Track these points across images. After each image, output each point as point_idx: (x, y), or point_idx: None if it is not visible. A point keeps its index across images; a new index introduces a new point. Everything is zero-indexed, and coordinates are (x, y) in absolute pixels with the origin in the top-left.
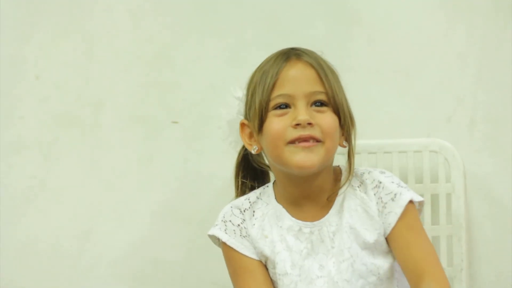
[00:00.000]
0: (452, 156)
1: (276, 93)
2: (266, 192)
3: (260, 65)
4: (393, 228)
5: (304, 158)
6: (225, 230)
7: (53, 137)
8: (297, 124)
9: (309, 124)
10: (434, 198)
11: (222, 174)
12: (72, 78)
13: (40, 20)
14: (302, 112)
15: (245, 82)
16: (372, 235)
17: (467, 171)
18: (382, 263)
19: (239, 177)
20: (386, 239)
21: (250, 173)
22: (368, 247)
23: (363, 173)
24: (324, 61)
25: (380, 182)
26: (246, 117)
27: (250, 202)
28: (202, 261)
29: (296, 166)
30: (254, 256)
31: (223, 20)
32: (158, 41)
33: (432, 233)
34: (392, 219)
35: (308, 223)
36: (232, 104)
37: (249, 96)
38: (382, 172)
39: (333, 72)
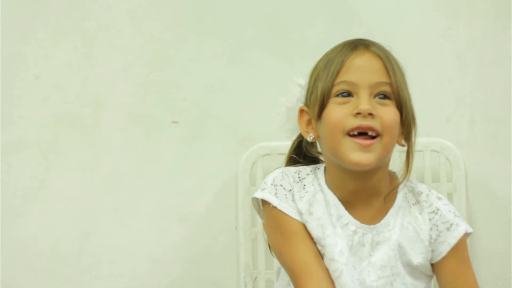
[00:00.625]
0: (453, 156)
1: (339, 79)
2: (317, 174)
3: (326, 53)
4: (444, 258)
5: (360, 155)
6: (275, 194)
7: (53, 137)
8: (358, 113)
9: (370, 114)
10: None
11: (222, 174)
12: (72, 78)
13: (40, 20)
14: (364, 102)
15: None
16: (417, 258)
17: (468, 171)
18: (420, 283)
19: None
20: (432, 265)
21: (302, 164)
22: (410, 266)
23: (421, 193)
24: (392, 55)
25: (438, 209)
26: (306, 104)
27: (299, 176)
28: (202, 261)
29: (352, 162)
30: (303, 221)
31: (223, 20)
32: (158, 41)
33: None
34: (445, 249)
35: (357, 221)
36: (293, 91)
37: (312, 82)
38: (439, 198)
39: (399, 67)
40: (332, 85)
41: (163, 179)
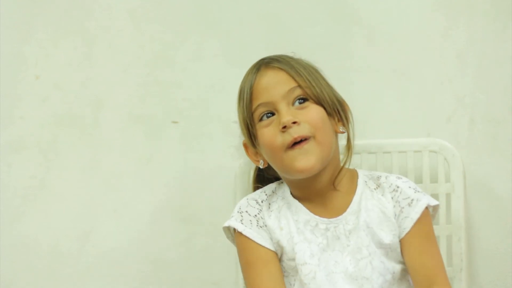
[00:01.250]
0: (452, 156)
1: (255, 104)
2: (281, 188)
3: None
4: (407, 233)
5: (303, 161)
6: (241, 220)
7: (53, 137)
8: (284, 127)
9: (294, 123)
10: (434, 198)
11: (222, 174)
12: (72, 78)
13: (40, 20)
14: (284, 114)
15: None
16: (388, 236)
17: (467, 171)
18: (395, 264)
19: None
20: (399, 243)
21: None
22: (383, 247)
23: (380, 176)
24: (295, 60)
25: (398, 187)
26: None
27: (266, 194)
28: (202, 261)
29: (298, 171)
30: (270, 247)
31: (223, 20)
32: (158, 41)
33: None
34: (408, 224)
35: (325, 219)
36: (235, 130)
37: (239, 118)
38: (398, 178)
39: (305, 66)
40: (251, 112)
41: (163, 179)
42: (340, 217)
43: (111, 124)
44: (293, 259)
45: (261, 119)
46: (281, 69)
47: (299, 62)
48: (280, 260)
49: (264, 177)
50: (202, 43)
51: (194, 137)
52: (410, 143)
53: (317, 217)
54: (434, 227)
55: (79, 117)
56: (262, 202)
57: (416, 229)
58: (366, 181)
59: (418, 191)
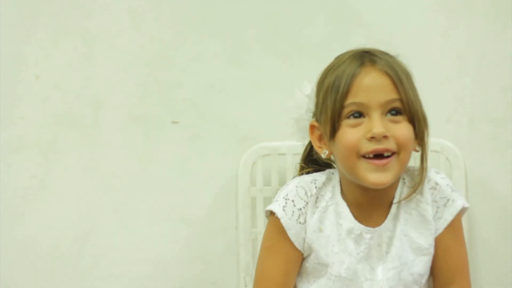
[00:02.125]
0: (453, 156)
1: (349, 100)
2: (332, 181)
3: (331, 66)
4: (439, 234)
5: (378, 176)
6: (283, 207)
7: (53, 137)
8: (372, 137)
9: (384, 137)
10: None
11: (222, 174)
12: (72, 78)
13: (40, 20)
14: (377, 124)
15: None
16: (427, 239)
17: (467, 171)
18: (424, 274)
19: (303, 172)
20: None
21: (316, 168)
22: (423, 253)
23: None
24: (399, 65)
25: (437, 184)
26: (316, 119)
27: (316, 187)
28: (202, 261)
29: (370, 183)
30: (299, 247)
31: (223, 20)
32: (158, 41)
33: None
34: (441, 225)
35: (370, 228)
36: (300, 101)
37: (320, 100)
38: (437, 172)
39: (408, 76)
40: (342, 107)
41: (163, 179)
42: (382, 225)
43: (111, 124)
44: (326, 265)
45: (348, 117)
46: (387, 74)
47: (402, 68)
48: (305, 259)
49: (313, 159)
50: (202, 43)
51: (194, 137)
52: None
53: (362, 226)
54: None
55: (79, 117)
56: (310, 196)
57: (447, 231)
58: (404, 178)
59: (454, 190)
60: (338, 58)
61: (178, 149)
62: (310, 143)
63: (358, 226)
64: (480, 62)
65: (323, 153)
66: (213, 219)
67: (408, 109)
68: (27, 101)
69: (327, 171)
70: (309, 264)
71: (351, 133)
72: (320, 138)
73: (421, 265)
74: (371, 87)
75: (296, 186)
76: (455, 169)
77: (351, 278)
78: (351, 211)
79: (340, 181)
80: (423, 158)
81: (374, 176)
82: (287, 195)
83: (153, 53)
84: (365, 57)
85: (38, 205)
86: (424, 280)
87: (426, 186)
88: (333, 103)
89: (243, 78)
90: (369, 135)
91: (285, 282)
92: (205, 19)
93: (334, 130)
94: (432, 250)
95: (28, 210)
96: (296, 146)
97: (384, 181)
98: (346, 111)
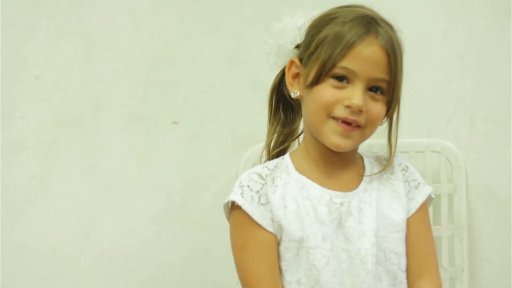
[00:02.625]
0: (454, 156)
1: (343, 63)
2: (284, 164)
3: (334, 15)
4: (411, 216)
5: (339, 140)
6: (241, 194)
7: (53, 137)
8: (348, 106)
9: (360, 110)
10: (436, 199)
11: (222, 174)
12: (72, 78)
13: (40, 20)
14: (358, 96)
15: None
16: (400, 214)
17: (468, 171)
18: (402, 251)
19: (273, 101)
20: None
21: (284, 102)
22: (396, 230)
23: (387, 157)
24: (398, 43)
25: (407, 167)
26: (299, 58)
27: (268, 169)
28: (202, 261)
29: (331, 144)
30: (269, 228)
31: (223, 20)
32: (158, 41)
33: (434, 234)
34: (414, 206)
35: (340, 193)
36: (288, 30)
37: (313, 45)
38: (405, 160)
39: (401, 56)
40: (334, 66)
41: (163, 179)
42: (353, 191)
43: (111, 124)
44: (299, 241)
45: (334, 76)
46: (386, 51)
47: (399, 46)
48: (278, 244)
49: (283, 93)
50: (202, 43)
51: (194, 137)
52: (412, 143)
53: (330, 190)
54: (436, 227)
55: (79, 117)
56: (266, 176)
57: (418, 214)
58: (372, 162)
59: (422, 179)
60: (344, 12)
61: (178, 149)
62: (281, 73)
63: (327, 192)
64: (480, 62)
65: (294, 93)
66: (213, 220)
67: (391, 93)
68: (27, 101)
69: (276, 158)
70: (283, 247)
71: (330, 92)
72: (295, 77)
73: (394, 241)
74: (367, 59)
75: (249, 173)
76: (455, 170)
77: (330, 248)
78: (315, 181)
79: (291, 157)
80: (391, 134)
81: (336, 138)
82: (241, 182)
83: (153, 53)
84: (372, 25)
85: (38, 205)
86: (402, 262)
87: (397, 168)
88: (326, 58)
89: (243, 78)
90: (347, 103)
91: (272, 273)
92: (205, 19)
93: (316, 82)
94: (404, 227)
95: (28, 210)
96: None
97: (344, 146)
98: (335, 71)
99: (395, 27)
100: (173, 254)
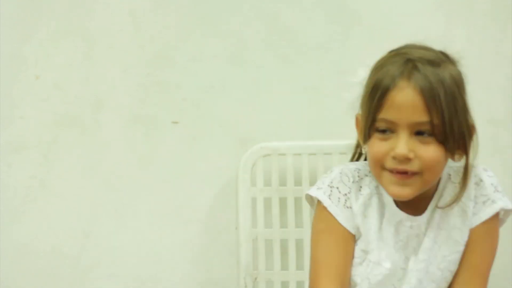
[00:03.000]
0: None
1: (381, 115)
2: None
3: (381, 62)
4: (471, 229)
5: (398, 190)
6: (329, 195)
7: (53, 137)
8: (394, 157)
9: (407, 158)
10: None
11: (223, 174)
12: (72, 78)
13: (40, 20)
14: (401, 145)
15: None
16: (464, 235)
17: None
18: (456, 260)
19: (356, 154)
20: None
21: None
22: (458, 250)
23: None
24: (440, 80)
25: (481, 181)
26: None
27: (359, 176)
28: (202, 262)
29: (391, 194)
30: (351, 229)
31: (224, 20)
32: (158, 41)
33: None
34: (475, 221)
35: (411, 216)
36: (355, 85)
37: (362, 99)
38: (485, 170)
39: (448, 91)
40: (374, 120)
41: (163, 179)
42: (423, 214)
43: (111, 124)
44: (367, 252)
45: (378, 130)
46: (421, 93)
47: (444, 83)
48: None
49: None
50: (202, 43)
51: (194, 137)
52: None
53: (403, 213)
54: None
55: (79, 117)
56: (353, 182)
57: (480, 227)
58: (450, 174)
59: (498, 191)
60: (389, 55)
61: (178, 149)
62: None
63: (399, 213)
64: (480, 62)
65: (364, 148)
66: (213, 219)
67: (439, 131)
68: (27, 101)
69: None
70: (356, 247)
71: (378, 146)
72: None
73: (453, 262)
74: (402, 105)
75: (340, 173)
76: None
77: (389, 268)
78: (394, 200)
79: None
80: (466, 169)
81: (395, 188)
82: (331, 182)
83: (153, 53)
84: (407, 67)
85: (38, 205)
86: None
87: (472, 181)
88: (367, 113)
89: (243, 78)
90: (392, 154)
91: (344, 263)
92: (205, 19)
93: (365, 138)
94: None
95: (28, 210)
96: (296, 146)
97: (404, 195)
98: (377, 124)
99: (452, 55)
100: (172, 254)
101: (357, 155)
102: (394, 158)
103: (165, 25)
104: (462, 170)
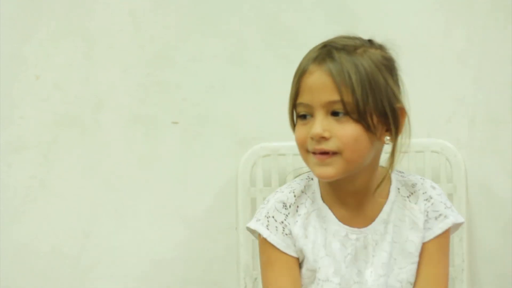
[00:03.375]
0: (453, 157)
1: (299, 100)
2: (312, 187)
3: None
4: (425, 243)
5: (321, 170)
6: (267, 226)
7: (53, 137)
8: (312, 138)
9: (323, 137)
10: None
11: (222, 174)
12: (72, 78)
13: (40, 20)
14: (316, 125)
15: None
16: (417, 246)
17: (468, 171)
18: (412, 270)
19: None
20: None
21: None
22: (413, 261)
23: (415, 184)
24: (352, 63)
25: (431, 197)
26: None
27: (295, 196)
28: (202, 262)
29: (317, 175)
30: (293, 254)
31: (224, 20)
32: (158, 41)
33: None
34: (429, 235)
35: (356, 229)
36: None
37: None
38: (433, 188)
39: (361, 72)
40: (294, 106)
41: (163, 179)
42: (370, 226)
43: (111, 124)
44: (314, 271)
45: (299, 115)
46: (330, 74)
47: (357, 64)
48: (300, 264)
49: None
50: (202, 43)
51: (194, 137)
52: (412, 143)
53: (347, 227)
54: None
55: (79, 117)
56: (290, 206)
57: (433, 243)
58: (399, 188)
59: (448, 207)
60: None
61: (178, 149)
62: None
63: (343, 228)
64: (480, 62)
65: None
66: (213, 220)
67: (351, 110)
68: (27, 101)
69: (306, 176)
70: (303, 269)
71: (299, 131)
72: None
73: (410, 273)
74: (313, 87)
75: (275, 201)
76: (455, 170)
77: (339, 282)
78: (335, 213)
79: (320, 185)
80: (393, 151)
81: (319, 169)
82: (267, 212)
83: (153, 53)
84: (320, 53)
85: (38, 205)
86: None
87: (422, 197)
88: (290, 100)
89: (243, 78)
90: (309, 135)
91: (294, 286)
92: (205, 19)
93: (292, 126)
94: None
95: (28, 210)
96: (296, 147)
97: (327, 175)
98: (297, 110)
99: (378, 43)
100: (172, 254)
101: None
102: (312, 139)
103: (165, 25)
104: (411, 183)
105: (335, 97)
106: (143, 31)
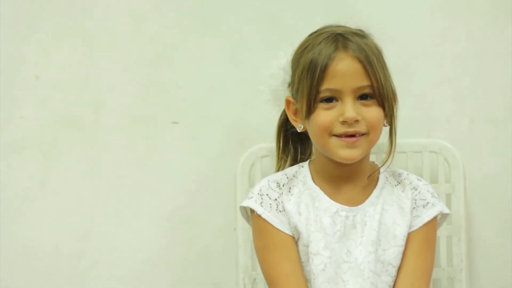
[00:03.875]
0: (452, 157)
1: (324, 86)
2: (302, 172)
3: (306, 44)
4: (414, 231)
5: (348, 152)
6: (260, 203)
7: (53, 137)
8: (344, 121)
9: (356, 121)
10: None
11: (222, 174)
12: (72, 78)
13: (40, 20)
14: (349, 109)
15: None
16: (402, 230)
17: (467, 171)
18: (398, 264)
19: (281, 139)
20: None
21: (293, 138)
22: (397, 244)
23: (401, 174)
24: (370, 47)
25: (418, 187)
26: (292, 95)
27: (287, 177)
28: (202, 262)
29: (340, 158)
30: (288, 232)
31: (223, 20)
32: (159, 41)
33: None
34: (417, 223)
35: (346, 207)
36: (276, 73)
37: (296, 79)
38: (418, 179)
39: (378, 57)
40: (318, 92)
41: (163, 179)
42: (359, 206)
43: (111, 124)
44: (307, 246)
45: (322, 100)
46: (359, 60)
47: (372, 50)
48: (297, 243)
49: (290, 127)
50: (202, 44)
51: (194, 138)
52: (410, 143)
53: (337, 204)
54: None
55: (79, 117)
56: (283, 185)
57: (421, 231)
58: (387, 177)
59: (435, 197)
60: (313, 37)
61: (178, 149)
62: (284, 112)
63: (334, 204)
64: (480, 62)
65: (299, 127)
66: (212, 220)
67: (378, 93)
68: (27, 101)
69: (297, 165)
70: (299, 248)
71: (325, 115)
72: (295, 113)
73: (393, 255)
74: (344, 73)
75: (268, 181)
76: (453, 170)
77: (329, 256)
78: (326, 193)
79: (310, 169)
80: (391, 132)
81: (344, 152)
82: (260, 190)
83: (153, 54)
84: (339, 41)
85: (38, 205)
86: (394, 272)
87: (408, 186)
88: (309, 88)
89: (243, 78)
90: (341, 119)
91: (294, 269)
92: (206, 19)
93: (309, 111)
94: (404, 243)
95: (28, 210)
96: None
97: (353, 156)
98: (321, 95)
99: (367, 31)
100: (173, 254)
101: (281, 148)
102: (343, 122)
103: (165, 25)
104: (397, 173)
105: (366, 82)
106: (143, 31)
